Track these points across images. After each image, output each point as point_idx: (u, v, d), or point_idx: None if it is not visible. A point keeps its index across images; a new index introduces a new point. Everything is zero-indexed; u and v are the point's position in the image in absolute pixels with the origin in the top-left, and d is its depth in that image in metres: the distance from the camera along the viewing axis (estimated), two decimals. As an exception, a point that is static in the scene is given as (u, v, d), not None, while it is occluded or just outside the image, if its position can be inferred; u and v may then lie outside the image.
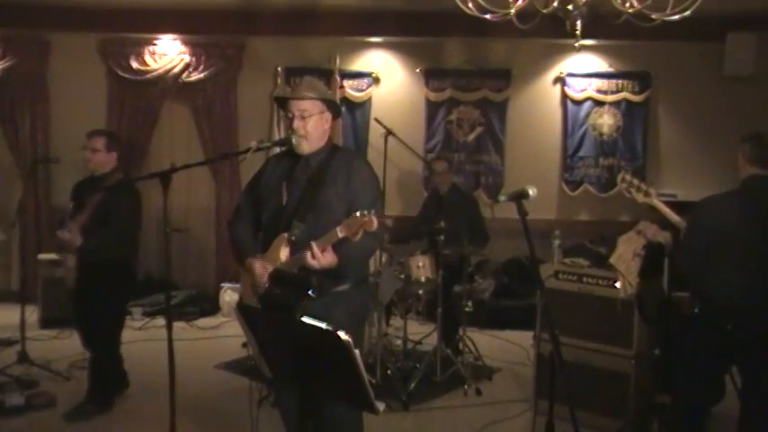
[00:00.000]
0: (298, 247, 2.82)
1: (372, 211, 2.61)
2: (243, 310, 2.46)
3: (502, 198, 2.81)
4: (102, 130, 4.65)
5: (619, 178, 3.57)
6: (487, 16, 3.77)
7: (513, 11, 3.65)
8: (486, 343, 5.63)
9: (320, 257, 2.70)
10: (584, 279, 4.06)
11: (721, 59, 6.57)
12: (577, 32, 3.66)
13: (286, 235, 2.88)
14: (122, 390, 4.54)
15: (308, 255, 2.71)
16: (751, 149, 3.19)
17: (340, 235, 2.67)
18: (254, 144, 2.96)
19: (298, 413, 3.01)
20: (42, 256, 6.41)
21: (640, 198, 3.45)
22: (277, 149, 3.20)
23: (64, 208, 7.04)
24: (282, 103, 3.03)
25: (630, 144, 6.91)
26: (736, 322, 3.06)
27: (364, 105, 7.06)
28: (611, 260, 3.91)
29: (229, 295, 6.65)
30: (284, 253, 2.88)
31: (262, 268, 2.91)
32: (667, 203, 3.47)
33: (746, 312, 3.04)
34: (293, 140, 2.93)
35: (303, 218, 2.87)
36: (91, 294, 4.15)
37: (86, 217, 4.12)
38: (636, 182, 3.49)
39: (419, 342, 5.58)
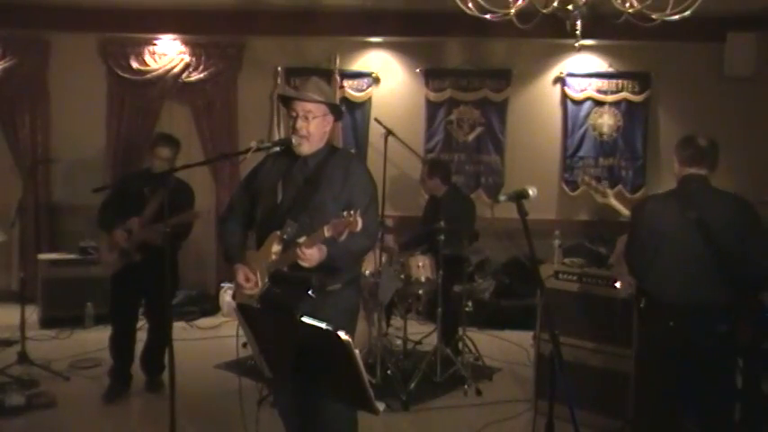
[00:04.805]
0: (289, 246, 2.84)
1: (358, 212, 2.60)
2: (243, 309, 2.46)
3: (502, 198, 2.81)
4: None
5: (580, 180, 3.63)
6: (487, 16, 3.78)
7: (513, 11, 3.66)
8: (486, 343, 5.63)
9: (305, 257, 2.72)
10: (584, 279, 4.06)
11: (721, 59, 6.58)
12: (577, 32, 3.67)
13: (279, 233, 2.89)
14: (125, 389, 4.55)
15: (298, 252, 2.74)
16: (683, 150, 3.34)
17: (326, 234, 2.68)
18: (253, 144, 2.97)
19: (294, 412, 3.02)
20: (42, 256, 6.41)
21: (599, 199, 3.53)
22: (277, 149, 3.21)
23: (64, 207, 7.14)
24: (286, 101, 3.03)
25: (630, 144, 6.90)
26: (677, 320, 3.09)
27: (364, 105, 7.07)
28: (612, 260, 3.92)
29: (229, 295, 6.64)
30: (276, 250, 2.90)
31: (245, 279, 2.95)
32: None
33: (686, 310, 3.09)
34: (294, 141, 2.94)
35: (297, 217, 2.88)
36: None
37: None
38: (594, 183, 3.60)
39: (419, 342, 5.57)
